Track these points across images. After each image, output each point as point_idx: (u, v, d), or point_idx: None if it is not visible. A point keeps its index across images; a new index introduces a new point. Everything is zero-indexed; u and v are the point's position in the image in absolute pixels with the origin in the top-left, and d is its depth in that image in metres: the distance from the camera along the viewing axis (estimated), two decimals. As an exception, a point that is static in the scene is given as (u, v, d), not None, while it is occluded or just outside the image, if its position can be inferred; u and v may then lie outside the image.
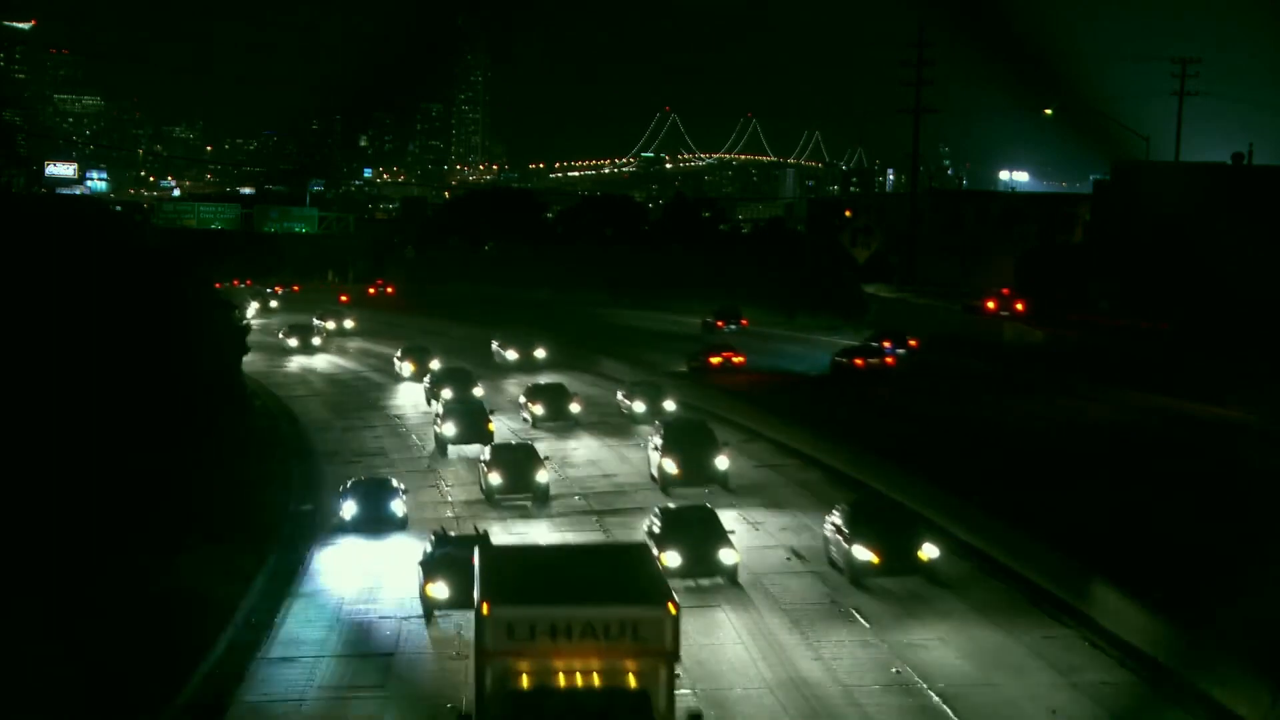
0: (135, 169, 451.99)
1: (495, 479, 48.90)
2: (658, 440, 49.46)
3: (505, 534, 44.69)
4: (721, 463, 47.77)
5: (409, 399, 77.61)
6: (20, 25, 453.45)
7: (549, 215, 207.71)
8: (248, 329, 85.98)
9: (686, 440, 49.45)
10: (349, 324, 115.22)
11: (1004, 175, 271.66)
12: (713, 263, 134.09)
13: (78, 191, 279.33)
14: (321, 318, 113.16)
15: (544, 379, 73.33)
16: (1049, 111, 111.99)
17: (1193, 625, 30.99)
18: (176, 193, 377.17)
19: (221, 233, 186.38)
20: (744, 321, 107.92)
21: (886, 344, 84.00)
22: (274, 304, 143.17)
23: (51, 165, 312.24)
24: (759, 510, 47.60)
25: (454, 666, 31.95)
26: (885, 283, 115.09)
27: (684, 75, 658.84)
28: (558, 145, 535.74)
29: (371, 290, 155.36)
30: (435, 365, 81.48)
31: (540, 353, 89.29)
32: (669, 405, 65.75)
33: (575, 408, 66.30)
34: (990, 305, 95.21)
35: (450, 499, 51.62)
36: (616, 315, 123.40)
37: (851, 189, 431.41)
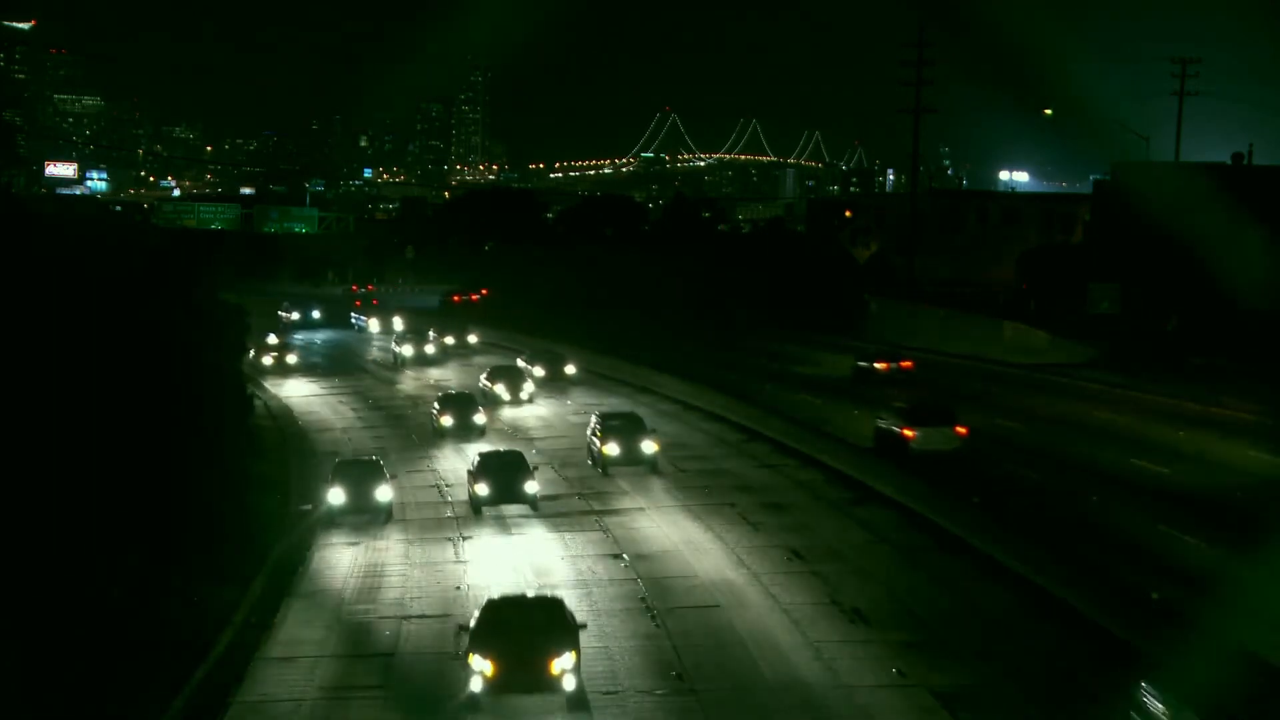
0: (135, 169, 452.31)
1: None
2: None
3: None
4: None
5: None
6: (20, 25, 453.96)
7: (549, 215, 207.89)
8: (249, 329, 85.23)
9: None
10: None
11: (1004, 175, 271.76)
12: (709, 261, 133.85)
13: (77, 191, 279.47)
14: None
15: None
16: (1049, 111, 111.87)
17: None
18: (176, 193, 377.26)
19: (221, 233, 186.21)
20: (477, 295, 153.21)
21: None
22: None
23: (51, 165, 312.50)
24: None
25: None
26: (884, 282, 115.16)
27: (684, 75, 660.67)
28: (558, 145, 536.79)
29: None
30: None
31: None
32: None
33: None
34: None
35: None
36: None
37: (851, 189, 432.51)
